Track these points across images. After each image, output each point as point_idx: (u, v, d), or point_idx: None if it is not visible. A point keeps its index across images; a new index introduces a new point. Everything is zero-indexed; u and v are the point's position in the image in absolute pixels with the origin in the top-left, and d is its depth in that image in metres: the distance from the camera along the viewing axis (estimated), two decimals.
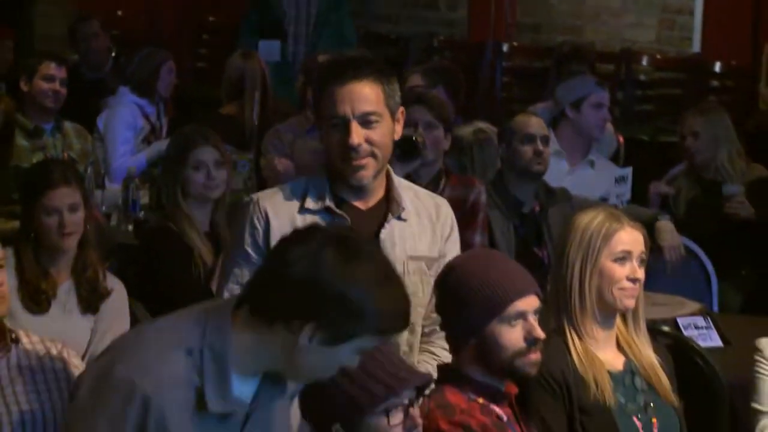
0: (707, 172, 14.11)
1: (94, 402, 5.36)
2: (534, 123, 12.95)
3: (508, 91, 17.77)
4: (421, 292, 7.09)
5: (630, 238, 7.79)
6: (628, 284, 7.71)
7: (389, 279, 5.58)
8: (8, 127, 14.59)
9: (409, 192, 7.21)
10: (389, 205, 7.02)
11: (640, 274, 7.73)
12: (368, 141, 6.73)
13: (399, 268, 6.25)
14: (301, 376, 5.74)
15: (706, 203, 13.56)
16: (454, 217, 7.37)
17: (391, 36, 20.92)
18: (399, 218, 6.90)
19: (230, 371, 5.34)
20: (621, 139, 15.97)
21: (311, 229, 5.96)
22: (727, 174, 13.92)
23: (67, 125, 15.06)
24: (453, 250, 7.26)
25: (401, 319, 5.69)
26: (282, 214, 7.01)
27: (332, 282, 5.15)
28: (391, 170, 7.07)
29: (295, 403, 6.44)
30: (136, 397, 5.15)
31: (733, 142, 14.27)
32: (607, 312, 7.82)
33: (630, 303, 7.76)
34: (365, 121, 6.65)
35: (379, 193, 7.07)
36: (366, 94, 6.60)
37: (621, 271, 7.66)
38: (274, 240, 6.37)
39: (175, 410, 5.25)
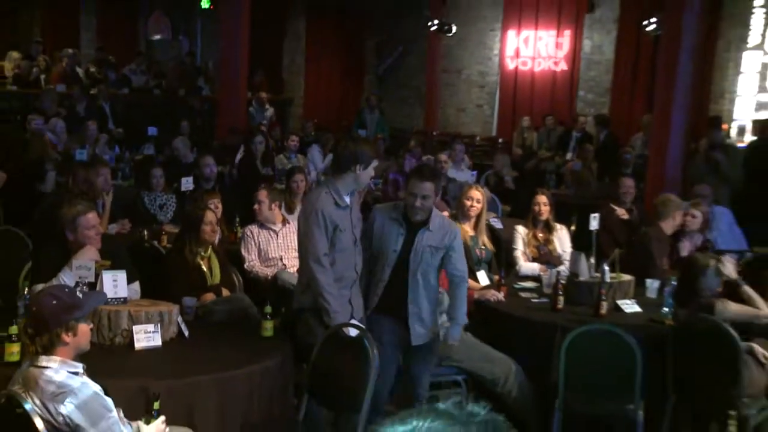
0: (499, 174, 12.85)
1: (307, 225, 5.80)
2: (442, 157, 12.33)
3: (435, 147, 15.49)
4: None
5: (470, 191, 7.67)
6: (468, 208, 7.57)
7: (372, 145, 6.72)
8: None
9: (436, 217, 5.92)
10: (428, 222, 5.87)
11: (474, 204, 7.60)
12: None
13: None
14: (362, 186, 6.39)
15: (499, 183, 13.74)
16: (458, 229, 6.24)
17: (398, 128, 18.63)
18: (428, 229, 5.80)
19: (342, 193, 5.77)
20: (471, 162, 14.43)
21: (341, 143, 6.48)
22: (506, 173, 14.20)
23: (299, 155, 13.52)
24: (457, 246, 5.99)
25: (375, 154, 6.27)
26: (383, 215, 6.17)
27: (359, 151, 5.68)
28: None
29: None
30: (319, 212, 5.69)
31: (507, 164, 13.36)
32: (466, 216, 7.54)
33: (470, 213, 7.63)
34: None
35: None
36: None
37: (467, 202, 7.52)
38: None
39: (331, 210, 5.71)
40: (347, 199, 5.93)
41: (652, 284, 7.41)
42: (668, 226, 8.14)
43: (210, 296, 6.65)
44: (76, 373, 4.15)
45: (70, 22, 21.89)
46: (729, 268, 6.87)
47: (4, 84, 17.05)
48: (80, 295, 4.39)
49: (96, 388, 4.15)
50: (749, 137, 14.67)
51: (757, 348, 6.45)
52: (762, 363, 6.42)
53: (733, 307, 6.45)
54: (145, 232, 8.28)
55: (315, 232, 5.74)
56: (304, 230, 5.92)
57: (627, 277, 7.31)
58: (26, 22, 21.88)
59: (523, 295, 7.29)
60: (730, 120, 15.91)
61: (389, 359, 5.80)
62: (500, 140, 17.90)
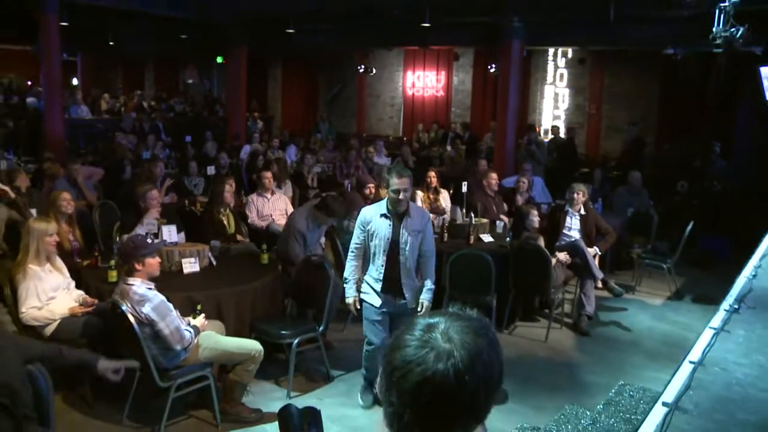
0: (405, 159, 12.57)
1: (293, 228, 5.68)
2: (370, 149, 11.90)
3: (365, 143, 14.10)
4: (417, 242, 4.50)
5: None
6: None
7: (349, 210, 6.08)
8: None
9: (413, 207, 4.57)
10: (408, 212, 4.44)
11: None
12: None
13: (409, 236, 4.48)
14: (326, 225, 5.93)
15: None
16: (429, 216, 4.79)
17: (341, 132, 17.54)
18: (409, 216, 4.43)
19: (313, 223, 5.66)
20: (387, 152, 13.39)
21: (333, 198, 5.88)
22: (409, 158, 14.30)
23: (279, 151, 12.80)
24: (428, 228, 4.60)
25: (345, 210, 6.11)
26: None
27: (334, 205, 5.57)
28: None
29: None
30: (297, 228, 5.60)
31: (409, 153, 13.14)
32: None
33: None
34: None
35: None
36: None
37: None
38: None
39: (304, 228, 5.66)
40: (318, 227, 5.99)
41: (500, 224, 7.45)
42: (487, 186, 8.00)
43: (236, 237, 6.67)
44: (150, 288, 4.21)
45: (139, 74, 22.96)
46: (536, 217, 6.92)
47: (101, 114, 17.22)
48: (149, 241, 4.40)
49: (162, 297, 4.20)
50: (550, 136, 14.80)
51: (560, 255, 6.64)
52: (562, 264, 6.61)
53: (541, 241, 6.54)
54: (186, 201, 8.26)
55: (296, 238, 5.81)
56: (291, 227, 5.90)
57: (485, 220, 7.33)
58: (113, 76, 23.08)
59: None
60: (540, 125, 16.01)
61: (383, 322, 4.66)
62: (405, 138, 17.62)
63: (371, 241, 4.57)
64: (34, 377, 3.17)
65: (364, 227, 4.60)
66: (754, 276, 3.95)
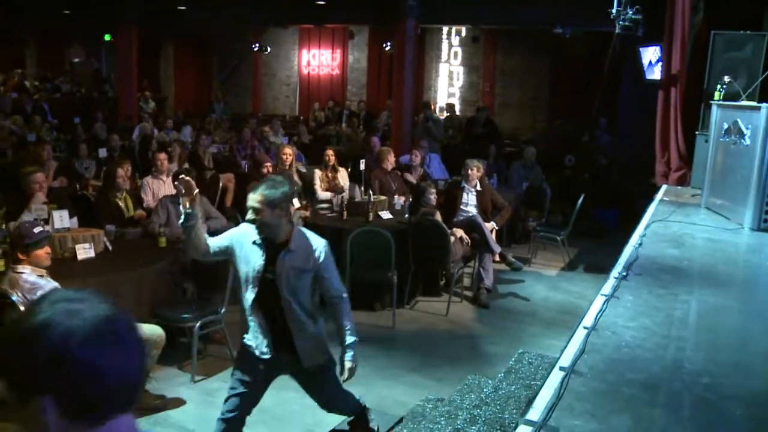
0: (301, 138, 12.65)
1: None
2: (266, 128, 11.59)
3: (261, 123, 13.39)
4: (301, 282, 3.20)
5: (284, 149, 7.33)
6: (284, 160, 7.30)
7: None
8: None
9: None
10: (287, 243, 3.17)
11: (288, 156, 7.24)
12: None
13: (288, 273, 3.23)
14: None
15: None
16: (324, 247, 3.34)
17: (237, 112, 16.99)
18: (289, 250, 3.16)
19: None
20: (284, 131, 13.06)
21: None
22: (305, 137, 12.94)
23: (173, 131, 12.58)
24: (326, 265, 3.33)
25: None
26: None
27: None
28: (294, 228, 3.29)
29: None
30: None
31: (306, 132, 13.12)
32: (283, 164, 7.24)
33: (286, 162, 7.23)
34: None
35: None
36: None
37: (283, 156, 7.33)
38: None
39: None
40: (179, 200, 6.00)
41: (398, 201, 7.51)
42: (386, 165, 7.94)
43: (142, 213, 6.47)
44: (41, 276, 4.07)
45: (18, 52, 21.33)
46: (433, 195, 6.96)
47: None
48: (35, 231, 4.15)
49: (55, 284, 4.05)
50: (446, 113, 15.04)
51: (456, 231, 6.74)
52: (460, 240, 6.73)
53: (438, 216, 6.65)
54: (77, 185, 8.01)
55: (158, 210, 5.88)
56: None
57: (383, 197, 7.35)
58: None
59: (322, 212, 7.21)
60: (435, 103, 16.21)
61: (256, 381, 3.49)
62: (301, 117, 17.46)
63: (239, 264, 3.35)
64: None
65: (232, 241, 3.38)
66: (640, 245, 4.17)
